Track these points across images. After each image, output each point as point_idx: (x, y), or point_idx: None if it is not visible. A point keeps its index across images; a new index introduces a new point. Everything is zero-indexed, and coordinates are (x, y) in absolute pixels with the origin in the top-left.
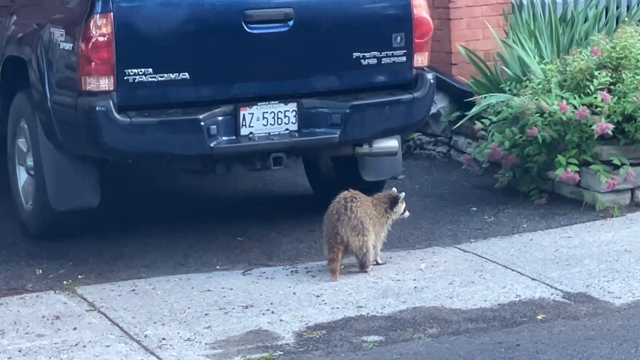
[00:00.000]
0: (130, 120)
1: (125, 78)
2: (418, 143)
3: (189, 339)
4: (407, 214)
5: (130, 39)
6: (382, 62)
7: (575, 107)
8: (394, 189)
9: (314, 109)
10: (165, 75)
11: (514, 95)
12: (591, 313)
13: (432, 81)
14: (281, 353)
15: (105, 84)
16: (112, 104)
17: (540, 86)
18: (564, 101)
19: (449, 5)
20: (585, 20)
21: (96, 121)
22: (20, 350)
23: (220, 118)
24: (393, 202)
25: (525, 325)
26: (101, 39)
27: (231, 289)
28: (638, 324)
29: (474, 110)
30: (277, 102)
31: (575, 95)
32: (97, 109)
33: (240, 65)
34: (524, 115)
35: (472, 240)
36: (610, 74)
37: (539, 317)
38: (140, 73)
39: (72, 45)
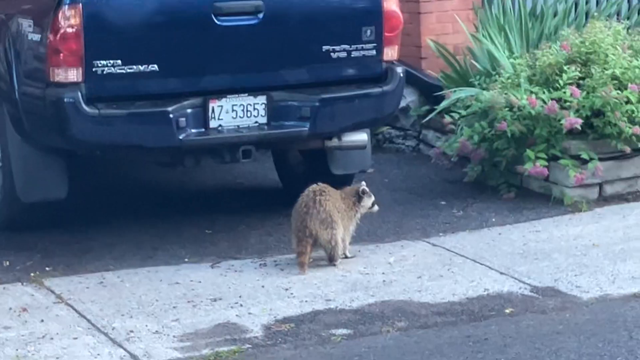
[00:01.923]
0: (99, 112)
1: (93, 69)
2: (387, 137)
3: (157, 331)
4: (376, 208)
5: (99, 31)
6: (352, 56)
7: (544, 102)
8: (364, 183)
9: (284, 102)
10: (134, 67)
11: (483, 89)
12: (559, 307)
13: (401, 75)
14: (249, 346)
15: (74, 75)
16: (80, 96)
17: (510, 80)
18: (533, 96)
19: None
20: (555, 15)
21: (64, 113)
22: None
23: (189, 110)
24: (361, 195)
25: (494, 319)
26: (70, 30)
27: (200, 281)
28: (605, 318)
29: (444, 104)
30: (246, 95)
31: (545, 90)
32: (65, 100)
33: (209, 57)
34: (493, 110)
35: (440, 234)
36: (579, 69)
37: (507, 311)
38: (109, 65)
39: (40, 36)
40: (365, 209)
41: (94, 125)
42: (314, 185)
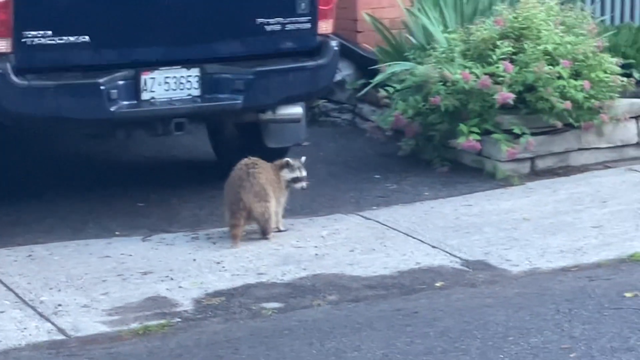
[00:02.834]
0: (29, 83)
1: (23, 40)
2: (323, 110)
3: (85, 305)
4: (301, 185)
5: (29, 1)
6: (286, 29)
7: (477, 77)
8: (304, 158)
9: (217, 75)
10: (65, 38)
11: (418, 63)
12: (489, 281)
13: (336, 48)
14: (179, 320)
15: (3, 46)
16: (9, 67)
17: (444, 55)
18: (467, 70)
19: None
20: None
21: None
22: None
23: (121, 82)
24: (283, 167)
25: (424, 293)
26: None
27: (130, 255)
28: (534, 292)
29: (379, 78)
30: (179, 67)
31: (478, 65)
32: None
33: (141, 29)
34: (427, 84)
35: (374, 207)
36: (512, 44)
37: (438, 284)
38: (39, 35)
39: None
40: (284, 182)
41: (24, 96)
42: (246, 159)
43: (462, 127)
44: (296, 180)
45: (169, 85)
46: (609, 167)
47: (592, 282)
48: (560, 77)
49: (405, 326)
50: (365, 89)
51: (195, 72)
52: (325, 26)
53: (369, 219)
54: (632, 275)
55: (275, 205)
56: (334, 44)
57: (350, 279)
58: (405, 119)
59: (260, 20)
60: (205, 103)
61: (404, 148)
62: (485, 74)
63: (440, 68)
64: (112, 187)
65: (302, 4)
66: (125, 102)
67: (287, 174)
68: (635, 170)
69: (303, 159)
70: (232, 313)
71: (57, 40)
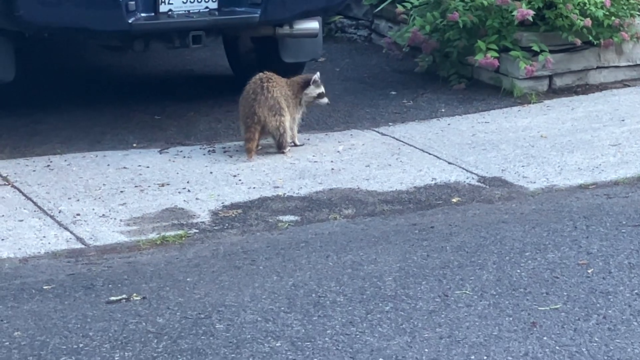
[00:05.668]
0: None
1: None
2: (339, 26)
3: (103, 215)
4: (325, 100)
5: None
6: None
7: None
8: (318, 74)
9: None
10: None
11: None
12: (505, 197)
13: None
14: (196, 231)
15: None
16: None
17: None
18: None
19: None
20: None
21: None
22: None
23: None
24: (310, 84)
25: (440, 208)
26: None
27: (147, 167)
28: (550, 209)
29: None
30: None
31: None
32: None
33: None
34: (445, 0)
35: (390, 123)
36: None
37: (454, 200)
38: None
39: None
40: (310, 98)
41: (42, 6)
42: (260, 74)
43: (480, 43)
44: (322, 95)
45: None
46: (628, 86)
47: (610, 200)
48: None
49: (421, 240)
50: (383, 5)
51: None
52: None
53: (385, 135)
54: None
55: (290, 120)
56: None
57: (367, 193)
58: (423, 35)
59: None
60: (222, 16)
61: (421, 64)
62: None
63: None
64: (130, 100)
65: None
66: (143, 14)
67: (313, 90)
68: None
69: (317, 74)
70: (249, 225)
71: None
